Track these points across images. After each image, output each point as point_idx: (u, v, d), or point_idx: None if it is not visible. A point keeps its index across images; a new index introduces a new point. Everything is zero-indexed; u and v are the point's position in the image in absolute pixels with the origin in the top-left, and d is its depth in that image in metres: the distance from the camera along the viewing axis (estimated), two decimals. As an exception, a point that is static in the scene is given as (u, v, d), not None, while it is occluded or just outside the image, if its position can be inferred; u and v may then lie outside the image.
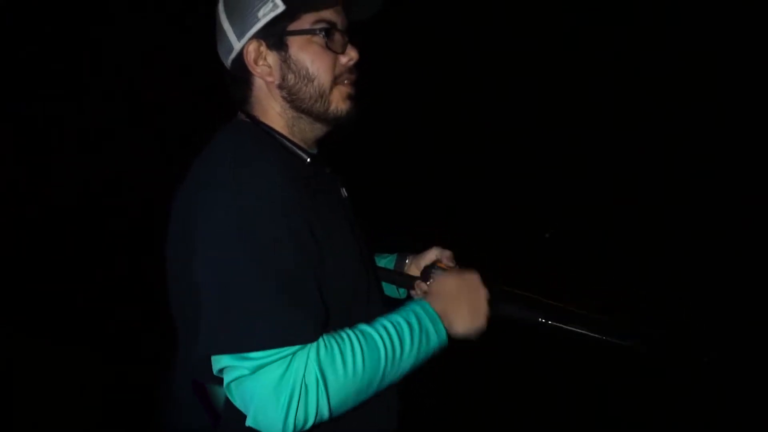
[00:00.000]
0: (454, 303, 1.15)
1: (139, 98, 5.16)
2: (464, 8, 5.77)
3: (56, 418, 3.13)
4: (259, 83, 1.13)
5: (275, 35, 1.09)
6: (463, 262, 1.38)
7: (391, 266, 1.44)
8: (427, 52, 5.76)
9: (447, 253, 1.39)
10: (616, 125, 5.51)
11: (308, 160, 1.11)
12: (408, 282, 1.36)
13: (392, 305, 1.15)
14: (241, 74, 1.13)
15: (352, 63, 1.13)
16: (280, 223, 0.97)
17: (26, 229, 4.91)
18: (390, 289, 1.45)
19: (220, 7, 1.13)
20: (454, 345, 1.15)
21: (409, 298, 1.39)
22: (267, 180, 0.98)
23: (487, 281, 1.20)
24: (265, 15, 1.07)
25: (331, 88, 1.11)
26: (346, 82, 1.13)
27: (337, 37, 1.11)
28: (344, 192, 1.27)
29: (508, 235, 5.14)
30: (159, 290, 1.18)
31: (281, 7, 1.07)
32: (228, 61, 1.14)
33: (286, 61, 1.09)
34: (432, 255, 1.39)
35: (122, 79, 5.13)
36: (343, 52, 1.11)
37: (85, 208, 5.06)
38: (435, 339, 1.09)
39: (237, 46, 1.10)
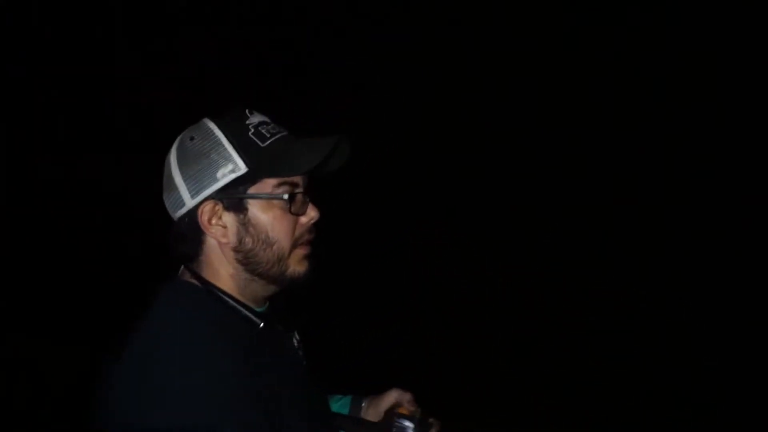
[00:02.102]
0: None
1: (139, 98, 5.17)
2: (464, 8, 5.77)
3: (56, 418, 3.13)
4: (211, 243, 1.04)
5: (234, 197, 1.02)
6: (423, 404, 1.26)
7: (345, 410, 1.32)
8: (427, 52, 5.76)
9: (407, 395, 1.26)
10: (616, 125, 5.51)
11: (261, 325, 1.04)
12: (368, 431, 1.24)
13: None
14: (189, 231, 1.04)
15: (311, 222, 1.07)
16: (233, 420, 0.90)
17: (26, 229, 4.91)
18: None
19: (172, 159, 1.04)
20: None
21: None
22: (217, 376, 0.92)
23: None
24: (225, 176, 1.00)
25: (290, 252, 1.05)
26: (304, 242, 1.07)
27: (299, 198, 1.04)
28: (296, 338, 1.19)
29: (508, 235, 5.14)
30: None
31: (243, 170, 1.00)
32: (175, 215, 1.05)
33: (244, 224, 1.02)
34: (391, 398, 1.26)
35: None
36: (304, 213, 1.06)
37: (85, 208, 5.07)
38: None
39: (189, 203, 1.02)
